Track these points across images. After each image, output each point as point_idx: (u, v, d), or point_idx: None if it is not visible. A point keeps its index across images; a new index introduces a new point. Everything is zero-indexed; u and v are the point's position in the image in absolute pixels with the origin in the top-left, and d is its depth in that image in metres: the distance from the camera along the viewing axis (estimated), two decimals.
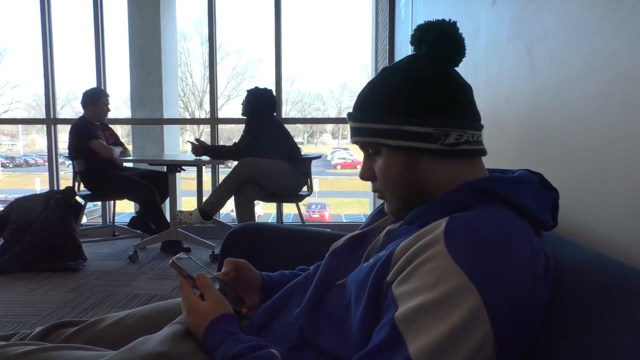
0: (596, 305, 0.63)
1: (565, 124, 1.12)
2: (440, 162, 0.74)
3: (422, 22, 0.79)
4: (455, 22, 0.78)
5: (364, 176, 0.82)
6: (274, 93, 3.63)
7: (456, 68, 0.79)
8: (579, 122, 1.06)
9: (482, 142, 0.77)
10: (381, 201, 0.87)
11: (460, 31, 0.78)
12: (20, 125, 23.98)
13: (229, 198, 3.23)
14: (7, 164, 23.20)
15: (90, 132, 3.51)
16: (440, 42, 0.76)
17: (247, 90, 3.49)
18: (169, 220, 3.47)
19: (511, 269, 0.61)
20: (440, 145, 0.72)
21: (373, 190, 0.83)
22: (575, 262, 0.73)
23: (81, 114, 3.67)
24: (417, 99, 0.73)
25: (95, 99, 3.60)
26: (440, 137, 0.72)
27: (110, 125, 3.87)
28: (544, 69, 1.25)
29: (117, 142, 3.75)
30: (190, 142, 3.49)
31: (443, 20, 0.78)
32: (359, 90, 0.82)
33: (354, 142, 0.81)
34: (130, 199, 3.71)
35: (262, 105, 3.42)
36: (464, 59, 0.80)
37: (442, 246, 0.61)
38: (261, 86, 3.51)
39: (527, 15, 1.35)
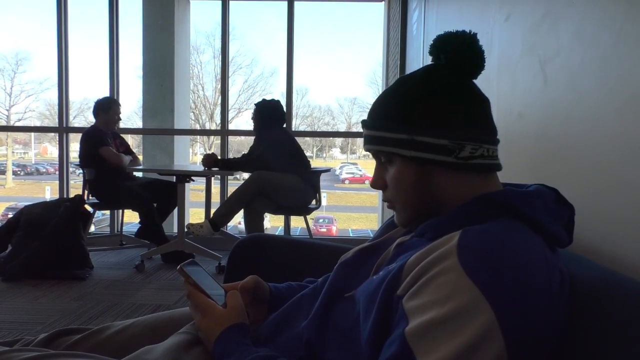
0: (612, 323, 0.61)
1: (579, 140, 1.11)
2: (453, 175, 0.73)
3: (443, 33, 0.78)
4: (475, 34, 0.77)
5: (375, 185, 0.81)
6: (285, 106, 3.63)
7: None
8: (593, 138, 1.04)
9: (498, 157, 0.76)
10: (391, 214, 0.86)
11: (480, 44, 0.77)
12: (32, 134, 24.26)
13: (238, 210, 3.23)
14: (19, 172, 23.45)
15: (101, 139, 3.54)
16: (460, 54, 0.75)
17: (255, 104, 3.50)
18: (175, 230, 3.46)
19: (525, 285, 0.59)
20: (455, 158, 0.71)
21: (383, 200, 0.81)
22: (590, 279, 0.72)
23: (92, 123, 3.71)
24: (434, 110, 0.72)
25: (107, 108, 3.65)
26: (455, 149, 0.71)
27: (121, 135, 3.91)
28: (558, 85, 1.24)
29: (128, 151, 3.78)
30: (202, 154, 3.52)
31: (464, 31, 0.77)
32: (369, 106, 0.81)
33: (366, 150, 0.80)
34: (133, 209, 3.72)
35: (271, 117, 3.42)
36: None
37: (455, 260, 0.60)
38: (268, 99, 3.51)
39: (542, 30, 1.34)
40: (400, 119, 0.74)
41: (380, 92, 0.80)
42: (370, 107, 0.81)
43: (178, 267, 0.87)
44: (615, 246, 0.94)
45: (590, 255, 0.86)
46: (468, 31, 0.77)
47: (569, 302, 0.66)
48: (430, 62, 0.80)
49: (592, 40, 1.07)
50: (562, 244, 0.71)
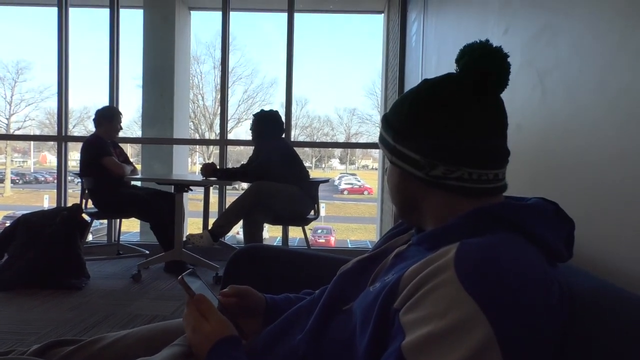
0: (611, 336, 0.61)
1: (579, 152, 1.11)
2: (428, 190, 0.74)
3: (477, 42, 0.74)
4: (508, 56, 0.73)
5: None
6: (284, 116, 3.64)
7: None
8: (592, 150, 1.04)
9: (496, 180, 0.73)
10: (391, 223, 0.85)
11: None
12: (32, 143, 24.28)
13: (238, 221, 3.22)
14: (17, 181, 23.42)
15: (103, 149, 3.55)
16: (490, 71, 0.71)
17: (253, 115, 3.51)
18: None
19: (523, 298, 0.58)
20: (425, 175, 0.72)
21: None
22: (589, 293, 0.71)
23: (92, 132, 3.71)
24: (420, 123, 0.73)
25: (110, 117, 3.66)
26: (425, 166, 0.72)
27: (120, 144, 3.91)
28: (556, 97, 1.24)
29: (127, 161, 3.78)
30: (201, 164, 3.52)
31: (499, 47, 0.73)
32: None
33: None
34: (138, 217, 3.72)
35: (269, 128, 3.43)
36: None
37: (452, 273, 0.59)
38: (266, 110, 3.52)
39: (540, 43, 1.35)
40: (393, 124, 0.77)
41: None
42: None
43: (179, 278, 0.86)
44: (614, 259, 0.94)
45: (589, 268, 0.85)
46: (504, 51, 0.73)
47: (567, 315, 0.65)
48: (454, 70, 0.77)
49: (591, 52, 1.07)
50: (562, 259, 0.71)
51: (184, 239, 3.23)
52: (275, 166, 3.27)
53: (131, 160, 3.88)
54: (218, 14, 4.27)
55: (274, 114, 3.48)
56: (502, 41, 1.67)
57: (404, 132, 0.74)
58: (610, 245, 0.96)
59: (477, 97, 0.72)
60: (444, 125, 0.71)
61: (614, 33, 0.98)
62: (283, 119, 3.57)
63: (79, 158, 3.65)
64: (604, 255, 0.97)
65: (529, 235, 0.67)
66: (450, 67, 0.77)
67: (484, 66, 0.71)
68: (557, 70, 1.23)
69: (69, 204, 3.56)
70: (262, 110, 3.51)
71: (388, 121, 0.78)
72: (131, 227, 8.16)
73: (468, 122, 0.71)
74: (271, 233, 12.97)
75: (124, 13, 4.36)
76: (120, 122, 3.74)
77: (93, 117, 3.72)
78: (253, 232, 3.18)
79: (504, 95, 0.75)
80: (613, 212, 0.94)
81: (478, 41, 0.74)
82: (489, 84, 0.72)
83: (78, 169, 3.66)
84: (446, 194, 0.73)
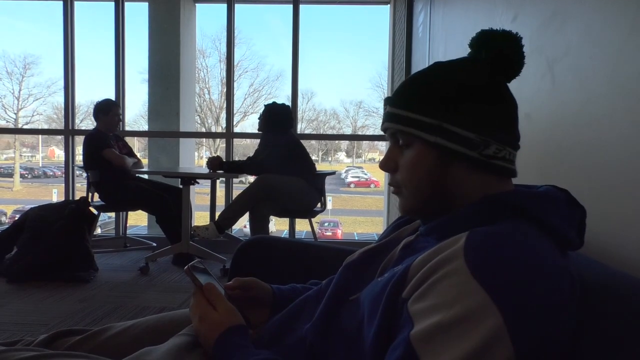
0: (624, 327, 0.60)
1: (589, 141, 1.09)
2: (471, 172, 0.71)
3: (488, 29, 0.76)
4: (521, 38, 0.75)
5: (385, 166, 0.78)
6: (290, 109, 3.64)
7: None
8: (603, 139, 1.02)
9: (515, 163, 0.74)
10: (397, 216, 0.84)
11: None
12: (40, 137, 24.44)
13: (244, 213, 3.22)
14: (26, 175, 23.61)
15: (103, 141, 3.55)
16: (504, 54, 0.73)
17: (265, 105, 3.50)
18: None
19: (535, 288, 0.57)
20: (478, 154, 0.69)
21: (390, 184, 0.79)
22: (601, 283, 0.70)
23: (94, 126, 3.72)
24: (468, 102, 0.70)
25: (106, 110, 3.65)
26: (480, 145, 0.69)
27: (126, 138, 3.92)
28: (566, 86, 1.22)
29: (131, 154, 3.78)
30: (208, 157, 3.52)
31: (510, 32, 0.75)
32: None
33: (385, 128, 0.77)
34: (144, 209, 3.73)
35: (278, 121, 3.42)
36: None
37: (462, 262, 0.58)
38: (278, 102, 3.52)
39: (549, 30, 1.32)
40: (431, 101, 0.71)
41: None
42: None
43: (185, 268, 0.86)
44: (626, 249, 0.92)
45: (601, 258, 0.84)
46: (515, 32, 0.75)
47: (579, 306, 0.64)
48: (467, 55, 0.78)
49: (602, 39, 1.05)
50: (573, 247, 0.69)
51: (191, 231, 3.24)
52: (282, 159, 3.27)
53: (137, 153, 3.89)
54: (223, 7, 4.26)
55: (285, 108, 3.48)
56: (510, 28, 1.64)
57: (453, 110, 0.69)
58: (622, 234, 0.94)
59: (504, 81, 0.75)
60: (491, 103, 0.71)
61: (625, 18, 0.96)
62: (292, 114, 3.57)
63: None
64: (615, 244, 0.95)
65: (540, 223, 0.66)
66: (459, 56, 0.77)
67: (510, 57, 0.73)
68: (567, 58, 1.21)
69: (77, 197, 3.58)
70: (274, 103, 3.51)
71: (423, 97, 0.71)
72: (139, 221, 8.21)
73: (505, 102, 0.72)
74: (278, 226, 13.01)
75: (129, 7, 4.36)
76: (119, 114, 3.71)
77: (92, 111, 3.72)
78: (260, 225, 3.18)
79: (513, 84, 0.75)
80: (626, 201, 0.93)
81: (499, 29, 0.75)
82: (514, 71, 0.75)
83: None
84: (485, 176, 0.71)
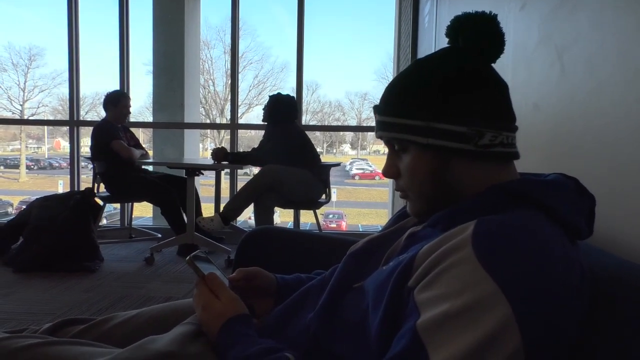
0: (634, 318, 0.59)
1: (599, 131, 1.07)
2: (471, 164, 0.70)
3: (461, 14, 0.74)
4: (496, 16, 0.73)
5: (387, 173, 0.77)
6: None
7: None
8: (612, 129, 1.00)
9: (516, 144, 0.73)
10: (402, 205, 0.83)
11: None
12: (45, 129, 24.52)
13: (248, 205, 3.22)
14: (32, 166, 23.74)
15: (112, 133, 3.56)
16: (480, 36, 0.72)
17: (270, 96, 3.49)
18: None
19: (544, 278, 0.56)
20: (474, 146, 0.68)
21: (396, 189, 0.78)
22: (611, 273, 0.69)
23: (103, 117, 3.72)
24: (452, 95, 0.69)
25: (116, 101, 3.66)
26: (474, 137, 0.68)
27: (131, 129, 3.92)
28: (576, 74, 1.20)
29: (138, 145, 3.79)
30: (212, 149, 3.53)
31: (483, 12, 0.73)
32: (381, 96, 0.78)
33: (379, 136, 0.76)
34: (149, 200, 3.73)
35: (283, 112, 3.41)
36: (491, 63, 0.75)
37: (470, 250, 0.57)
38: (283, 93, 3.50)
39: (559, 18, 1.30)
40: (416, 104, 0.70)
41: (394, 76, 0.77)
42: (383, 92, 0.77)
43: (187, 258, 0.85)
44: (636, 239, 0.91)
45: (610, 249, 0.83)
46: (488, 12, 0.73)
47: (588, 296, 0.63)
48: (447, 45, 0.77)
49: (612, 27, 1.03)
50: (582, 236, 0.68)
51: (195, 223, 3.24)
52: (287, 150, 3.26)
53: (143, 145, 3.89)
54: None
55: (290, 100, 3.47)
56: (519, 16, 1.62)
57: (439, 107, 0.68)
58: (632, 225, 0.93)
59: (487, 63, 0.73)
60: (477, 90, 0.69)
61: (636, 5, 0.94)
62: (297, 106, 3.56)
63: (89, 143, 3.67)
64: (625, 234, 0.94)
65: (548, 211, 0.65)
66: None
67: (487, 38, 0.72)
68: (577, 46, 1.19)
69: (82, 188, 3.59)
70: (279, 93, 3.50)
71: (408, 101, 0.71)
72: (144, 212, 8.23)
73: (492, 86, 0.71)
74: (283, 218, 13.01)
75: None
76: (128, 105, 3.72)
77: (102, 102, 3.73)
78: (264, 216, 3.18)
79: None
80: (636, 191, 0.91)
81: (472, 12, 0.73)
82: (494, 51, 0.73)
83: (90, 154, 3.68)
84: (486, 166, 0.70)
